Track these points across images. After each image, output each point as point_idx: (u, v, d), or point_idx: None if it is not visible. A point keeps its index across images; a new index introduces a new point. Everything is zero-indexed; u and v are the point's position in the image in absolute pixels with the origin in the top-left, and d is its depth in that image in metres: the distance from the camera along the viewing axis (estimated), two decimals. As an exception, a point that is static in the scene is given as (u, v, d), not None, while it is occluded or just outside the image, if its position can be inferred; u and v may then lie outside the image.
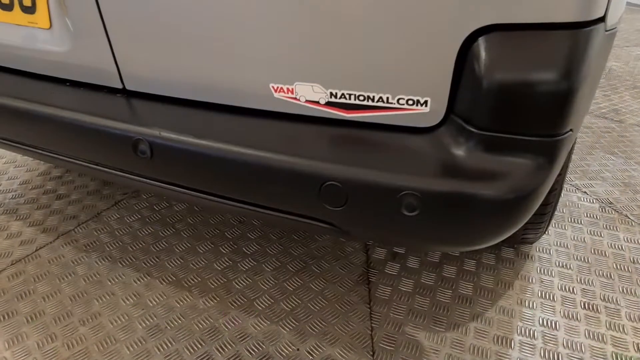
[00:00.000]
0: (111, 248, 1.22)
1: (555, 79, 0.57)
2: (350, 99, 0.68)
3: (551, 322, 1.00)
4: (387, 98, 0.67)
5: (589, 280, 1.11)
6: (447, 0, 0.57)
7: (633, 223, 1.32)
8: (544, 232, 1.17)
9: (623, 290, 1.09)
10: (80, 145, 0.83)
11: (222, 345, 0.95)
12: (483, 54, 0.59)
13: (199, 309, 1.03)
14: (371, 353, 0.93)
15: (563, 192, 1.47)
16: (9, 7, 0.88)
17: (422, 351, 0.93)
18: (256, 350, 0.94)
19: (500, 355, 0.93)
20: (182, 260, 1.18)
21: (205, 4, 0.68)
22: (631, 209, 1.39)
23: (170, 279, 1.12)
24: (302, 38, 0.66)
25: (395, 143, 0.67)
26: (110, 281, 1.11)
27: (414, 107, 0.66)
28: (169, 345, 0.95)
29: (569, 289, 1.09)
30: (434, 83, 0.63)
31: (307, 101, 0.71)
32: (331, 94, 0.69)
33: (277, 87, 0.72)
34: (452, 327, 0.99)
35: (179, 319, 1.01)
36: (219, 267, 1.16)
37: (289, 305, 1.04)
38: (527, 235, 1.11)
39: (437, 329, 0.99)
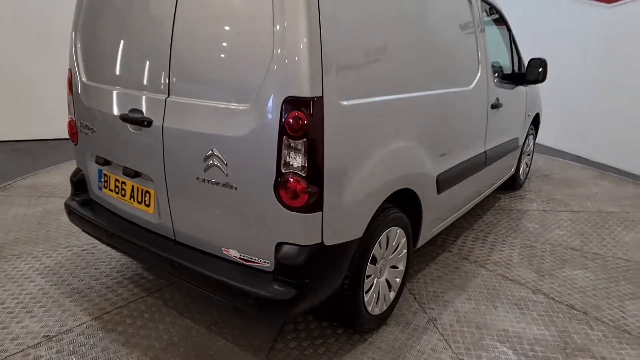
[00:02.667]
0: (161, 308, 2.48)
1: (292, 277, 1.76)
2: (246, 258, 1.92)
3: (350, 370, 2.05)
4: (257, 259, 1.89)
5: None
6: (263, 234, 1.81)
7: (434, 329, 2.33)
8: (370, 329, 2.23)
9: (399, 362, 2.11)
10: (152, 260, 2.13)
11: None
12: (276, 251, 1.80)
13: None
14: (259, 369, 2.05)
15: (409, 311, 2.51)
16: (140, 202, 2.25)
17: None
18: (211, 360, 2.10)
19: (316, 379, 1.99)
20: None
21: (202, 218, 1.99)
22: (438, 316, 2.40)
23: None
24: (232, 234, 1.92)
25: (257, 276, 1.88)
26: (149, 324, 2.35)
27: (266, 264, 1.87)
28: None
29: None
30: (270, 259, 1.84)
31: (233, 256, 1.95)
32: (240, 256, 1.93)
33: (224, 249, 1.97)
34: (302, 365, 2.08)
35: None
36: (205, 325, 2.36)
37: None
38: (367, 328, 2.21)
39: (295, 364, 2.08)
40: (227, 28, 1.83)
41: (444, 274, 2.92)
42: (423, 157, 2.38)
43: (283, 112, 1.67)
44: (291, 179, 1.71)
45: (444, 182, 2.62)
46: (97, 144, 2.41)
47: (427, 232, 2.67)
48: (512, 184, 4.49)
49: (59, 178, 4.58)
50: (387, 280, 2.36)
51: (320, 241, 1.81)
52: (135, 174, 2.19)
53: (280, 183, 1.73)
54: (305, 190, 1.70)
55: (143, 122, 2.04)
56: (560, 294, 2.74)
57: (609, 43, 5.56)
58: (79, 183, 2.63)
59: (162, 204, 2.12)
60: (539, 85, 4.42)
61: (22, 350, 2.14)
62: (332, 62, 1.72)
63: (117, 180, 2.35)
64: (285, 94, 1.66)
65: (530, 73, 3.64)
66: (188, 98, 1.93)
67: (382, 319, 2.37)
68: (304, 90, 1.65)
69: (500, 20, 3.64)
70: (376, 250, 2.16)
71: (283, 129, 1.68)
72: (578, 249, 3.34)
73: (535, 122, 4.62)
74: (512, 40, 3.75)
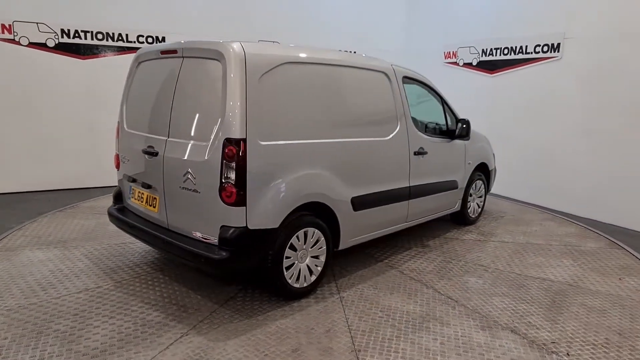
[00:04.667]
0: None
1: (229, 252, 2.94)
2: (205, 237, 3.11)
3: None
4: (210, 237, 3.08)
5: (297, 312, 3.21)
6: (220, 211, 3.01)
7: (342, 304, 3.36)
8: (293, 298, 3.32)
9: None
10: (154, 240, 3.38)
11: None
12: (219, 231, 2.99)
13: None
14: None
15: (328, 292, 3.55)
16: (150, 205, 3.53)
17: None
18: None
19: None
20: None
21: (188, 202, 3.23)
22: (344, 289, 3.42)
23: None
24: (197, 222, 3.14)
25: (209, 247, 3.05)
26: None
27: (215, 240, 3.05)
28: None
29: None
30: (216, 236, 3.03)
31: (198, 236, 3.16)
32: (202, 235, 3.13)
33: (193, 232, 3.18)
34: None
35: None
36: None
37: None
38: (290, 297, 3.29)
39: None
40: (199, 102, 3.17)
41: (366, 274, 3.94)
42: (334, 182, 3.52)
43: (224, 147, 2.92)
44: (228, 186, 2.92)
45: (359, 203, 3.72)
46: (129, 168, 3.76)
47: (348, 239, 3.75)
48: (463, 220, 5.43)
49: (110, 202, 6.03)
50: (308, 266, 3.44)
51: (245, 225, 2.98)
52: (148, 186, 3.50)
53: (222, 188, 2.94)
54: (235, 193, 2.91)
55: (153, 153, 3.36)
56: (447, 290, 3.68)
57: (492, 102, 7.50)
58: (117, 196, 4.00)
59: (161, 205, 3.39)
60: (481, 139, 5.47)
61: (69, 294, 3.40)
62: (253, 120, 2.96)
63: (139, 192, 3.67)
64: (225, 136, 2.91)
65: (458, 130, 4.76)
66: (178, 139, 3.23)
67: (304, 293, 3.44)
68: (235, 134, 2.90)
69: (433, 91, 4.80)
70: (294, 241, 3.28)
71: (223, 156, 2.92)
72: (485, 265, 4.24)
73: (484, 170, 5.60)
74: (444, 105, 4.87)
